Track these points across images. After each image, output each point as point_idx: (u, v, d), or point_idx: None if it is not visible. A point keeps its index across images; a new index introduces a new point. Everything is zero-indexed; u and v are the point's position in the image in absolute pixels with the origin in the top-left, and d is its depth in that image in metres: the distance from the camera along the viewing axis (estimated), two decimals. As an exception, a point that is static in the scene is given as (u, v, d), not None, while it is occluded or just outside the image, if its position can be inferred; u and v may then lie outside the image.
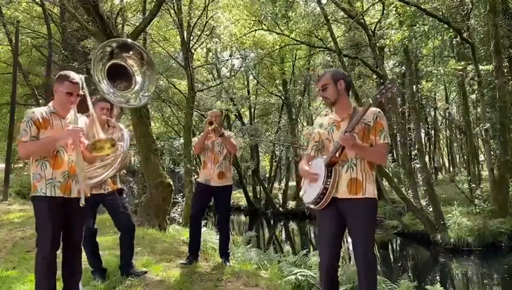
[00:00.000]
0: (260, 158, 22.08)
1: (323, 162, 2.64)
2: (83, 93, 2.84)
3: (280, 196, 19.54)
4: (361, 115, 2.53)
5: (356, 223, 2.57)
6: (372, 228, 2.64)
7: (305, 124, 21.97)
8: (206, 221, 7.38)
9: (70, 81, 2.74)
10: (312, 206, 2.67)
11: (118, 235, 3.72)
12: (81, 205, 2.72)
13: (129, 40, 3.63)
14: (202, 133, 4.44)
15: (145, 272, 3.65)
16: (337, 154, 2.60)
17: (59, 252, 2.74)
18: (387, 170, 12.70)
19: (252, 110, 20.26)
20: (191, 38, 11.75)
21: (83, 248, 3.46)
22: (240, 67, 20.01)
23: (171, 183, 7.00)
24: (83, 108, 2.91)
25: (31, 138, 2.65)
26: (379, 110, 2.68)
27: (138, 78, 3.44)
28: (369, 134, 2.62)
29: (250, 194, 20.30)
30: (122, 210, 3.65)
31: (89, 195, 2.87)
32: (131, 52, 3.40)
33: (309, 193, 2.70)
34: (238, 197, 21.28)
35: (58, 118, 2.78)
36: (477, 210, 10.85)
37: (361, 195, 2.57)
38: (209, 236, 6.00)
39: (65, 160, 2.75)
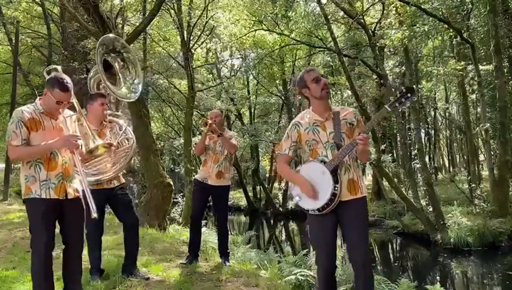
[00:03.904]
0: (260, 158, 22.07)
1: (327, 167, 2.55)
2: (72, 100, 2.77)
3: (280, 196, 19.51)
4: (378, 118, 2.59)
5: (356, 224, 2.58)
6: (367, 226, 2.69)
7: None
8: (206, 221, 7.38)
9: (62, 90, 2.62)
10: (316, 212, 2.58)
11: (117, 235, 3.72)
12: (92, 217, 2.61)
13: (126, 52, 3.79)
14: (202, 135, 4.44)
15: (147, 278, 3.61)
16: (346, 158, 2.58)
17: (59, 252, 2.74)
18: (387, 170, 12.71)
19: (252, 110, 20.25)
20: (191, 38, 11.74)
21: (86, 246, 3.48)
22: (240, 68, 20.00)
23: (171, 183, 7.01)
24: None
25: (22, 141, 2.59)
26: (355, 109, 2.78)
27: (121, 76, 3.71)
28: (353, 133, 2.65)
29: (250, 194, 20.28)
30: (130, 206, 3.68)
31: (79, 194, 2.82)
32: (119, 58, 3.70)
33: (310, 200, 2.60)
34: (238, 197, 21.27)
35: (48, 118, 2.71)
36: (477, 210, 10.85)
37: (360, 194, 2.61)
38: (209, 236, 6.01)
39: (59, 162, 2.71)
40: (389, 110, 2.50)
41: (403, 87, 2.52)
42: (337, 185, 2.52)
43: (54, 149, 2.68)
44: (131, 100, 3.93)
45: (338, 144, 2.59)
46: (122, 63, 3.71)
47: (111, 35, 3.83)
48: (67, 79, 2.68)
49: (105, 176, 3.46)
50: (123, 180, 3.70)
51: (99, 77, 3.56)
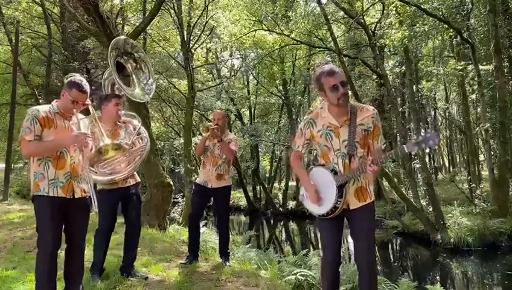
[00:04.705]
0: (260, 158, 22.06)
1: (335, 181, 2.54)
2: (89, 102, 2.87)
3: (280, 196, 19.52)
4: (393, 155, 2.53)
5: (362, 227, 2.59)
6: (374, 228, 2.71)
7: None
8: (206, 221, 7.38)
9: (79, 90, 2.74)
10: (317, 216, 2.67)
11: (117, 235, 3.71)
12: (92, 211, 2.81)
13: (136, 52, 3.83)
14: (203, 136, 4.42)
15: (146, 278, 3.62)
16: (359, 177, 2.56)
17: (60, 252, 2.74)
18: (387, 170, 12.70)
19: (252, 110, 20.26)
20: (191, 38, 11.75)
21: (92, 244, 3.48)
22: (240, 67, 20.01)
23: (171, 183, 6.99)
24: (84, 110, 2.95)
25: (35, 137, 2.65)
26: (375, 111, 2.62)
27: (134, 77, 3.76)
28: (368, 139, 2.59)
29: (250, 194, 20.28)
30: (139, 208, 3.72)
31: (87, 194, 2.87)
32: (131, 60, 3.77)
33: (313, 204, 2.66)
34: (238, 197, 21.26)
35: (62, 118, 2.78)
36: (477, 210, 10.84)
37: (368, 200, 2.61)
38: (209, 236, 6.00)
39: (68, 161, 2.76)
40: (407, 151, 2.43)
41: (428, 131, 2.36)
42: (340, 200, 2.54)
43: (65, 145, 2.74)
44: (144, 101, 4.00)
45: (350, 154, 2.56)
46: (134, 64, 3.79)
47: (122, 37, 3.88)
48: (85, 82, 2.80)
49: (119, 176, 3.50)
50: (138, 179, 3.73)
51: (113, 79, 3.60)
